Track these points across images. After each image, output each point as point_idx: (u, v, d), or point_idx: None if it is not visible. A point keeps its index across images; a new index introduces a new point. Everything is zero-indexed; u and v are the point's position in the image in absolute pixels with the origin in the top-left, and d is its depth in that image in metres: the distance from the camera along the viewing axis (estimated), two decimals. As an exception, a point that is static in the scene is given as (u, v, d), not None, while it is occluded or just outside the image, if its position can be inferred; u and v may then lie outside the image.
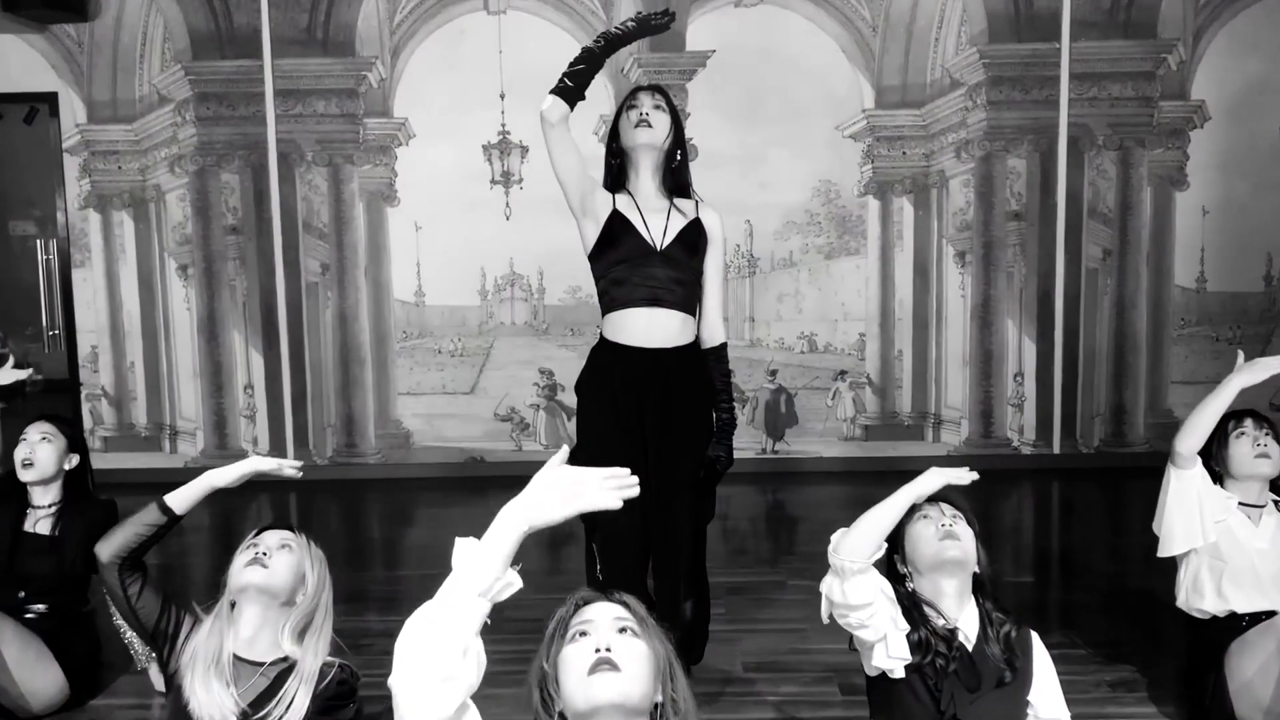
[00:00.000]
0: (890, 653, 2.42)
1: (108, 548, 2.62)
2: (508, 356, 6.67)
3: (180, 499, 2.74)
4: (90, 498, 3.66)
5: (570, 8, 6.35)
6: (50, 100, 6.43)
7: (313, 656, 2.53)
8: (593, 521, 3.10)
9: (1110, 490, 6.16)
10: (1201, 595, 3.24)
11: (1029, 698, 2.47)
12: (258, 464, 2.80)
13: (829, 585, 2.43)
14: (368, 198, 6.52)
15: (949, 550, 2.44)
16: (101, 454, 6.50)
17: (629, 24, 3.13)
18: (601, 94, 6.30)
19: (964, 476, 2.52)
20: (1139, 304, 6.57)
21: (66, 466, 3.56)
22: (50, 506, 3.54)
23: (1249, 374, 3.14)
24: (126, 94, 6.46)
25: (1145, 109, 6.41)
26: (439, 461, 6.61)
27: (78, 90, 6.44)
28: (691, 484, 3.12)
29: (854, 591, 2.37)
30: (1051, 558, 5.26)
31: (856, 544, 2.40)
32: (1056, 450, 6.58)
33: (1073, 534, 5.70)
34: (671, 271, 3.13)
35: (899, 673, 2.43)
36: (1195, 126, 6.44)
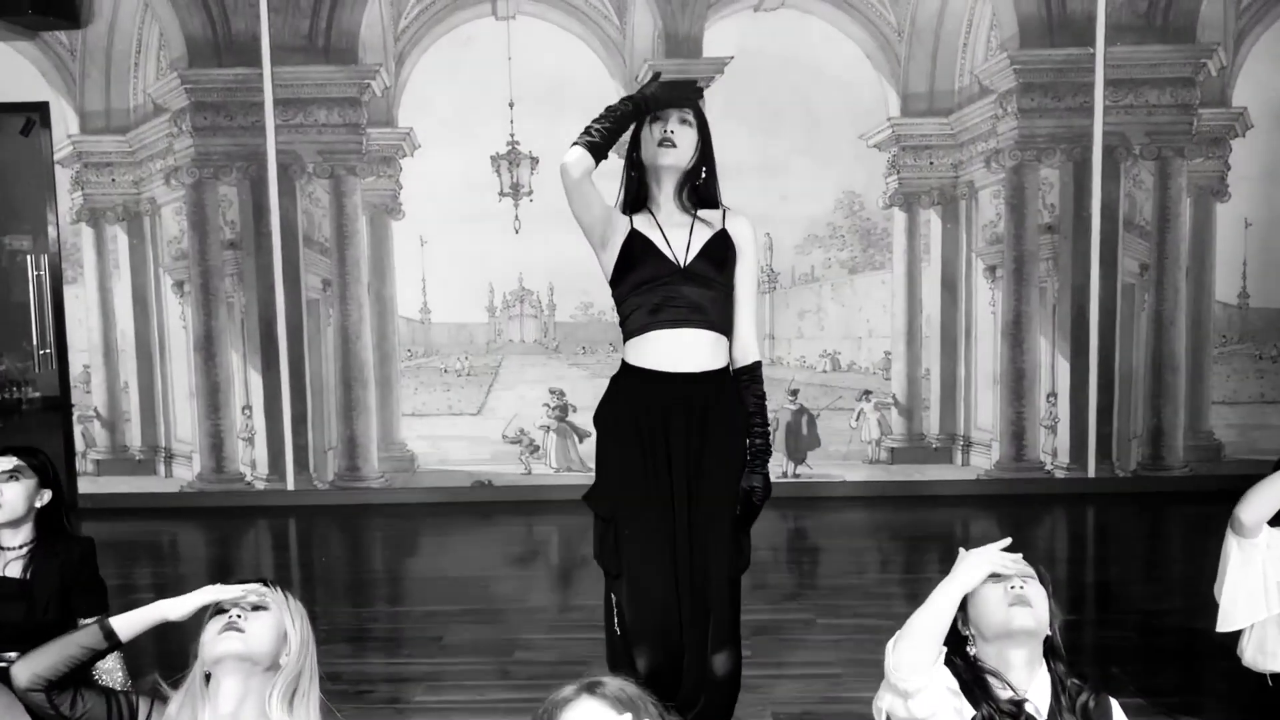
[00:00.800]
0: None
1: (29, 669, 2.25)
2: (517, 376, 6.59)
3: (126, 625, 2.37)
4: (65, 534, 3.42)
5: (582, 13, 6.25)
6: (41, 110, 6.34)
7: None
8: (616, 567, 2.85)
9: (1149, 516, 6.07)
10: (1272, 656, 3.01)
11: None
12: (215, 594, 2.45)
13: (890, 704, 2.18)
14: (371, 211, 6.43)
15: (1019, 619, 2.17)
16: (94, 478, 6.46)
17: (658, 92, 2.91)
18: (614, 100, 6.20)
19: (1000, 556, 2.26)
20: (1178, 321, 6.48)
21: (38, 504, 3.31)
22: (21, 548, 3.29)
23: None
24: (120, 103, 6.38)
25: (1184, 116, 6.32)
26: (445, 485, 6.51)
27: (70, 100, 6.35)
28: (727, 527, 2.87)
29: (920, 706, 2.12)
30: (1087, 589, 5.06)
31: (915, 659, 2.14)
32: (1091, 474, 6.48)
33: (1110, 564, 5.54)
34: (699, 289, 2.89)
35: None
36: (1237, 135, 6.35)
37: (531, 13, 6.26)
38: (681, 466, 2.83)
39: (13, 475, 3.20)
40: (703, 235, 2.94)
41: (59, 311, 6.54)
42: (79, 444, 6.48)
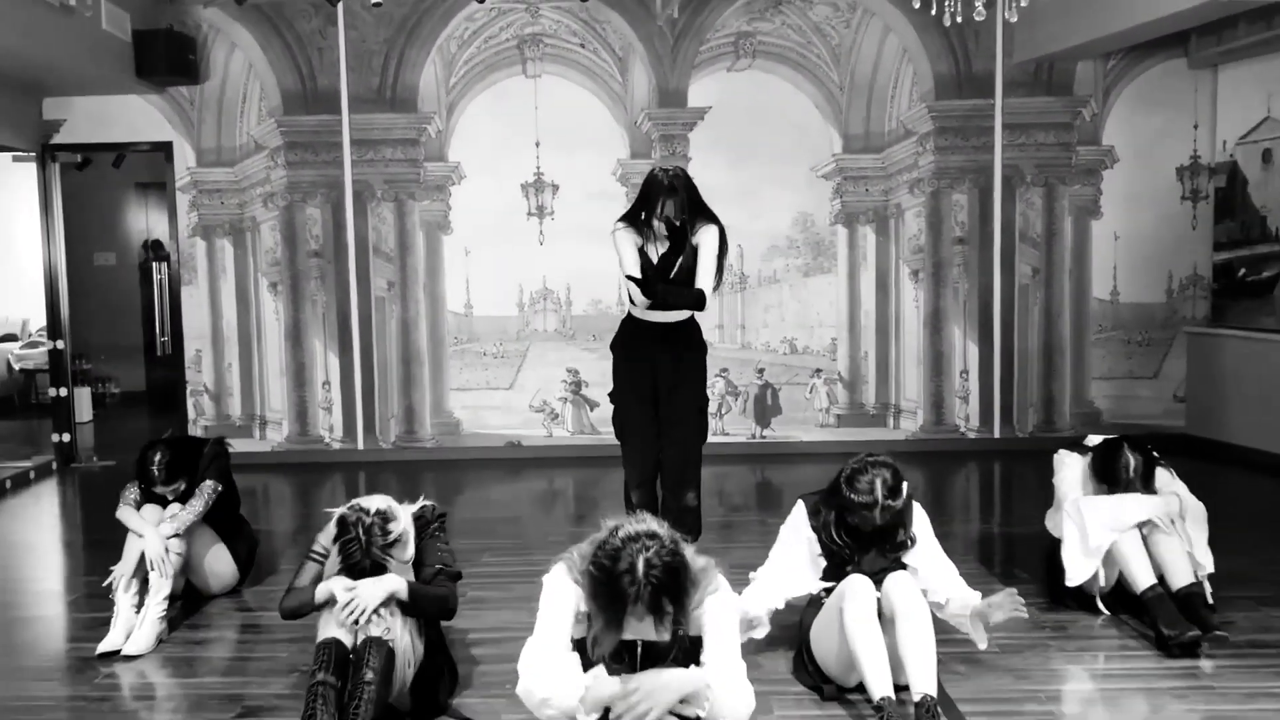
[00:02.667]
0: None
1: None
2: (540, 358, 7.76)
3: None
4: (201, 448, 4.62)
5: (593, 72, 7.54)
6: (166, 149, 7.62)
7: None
8: (621, 435, 4.40)
9: (1042, 468, 6.89)
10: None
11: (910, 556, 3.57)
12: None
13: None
14: (426, 227, 7.67)
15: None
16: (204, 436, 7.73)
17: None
18: (618, 142, 7.56)
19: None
20: (1064, 313, 7.67)
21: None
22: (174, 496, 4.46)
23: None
24: (229, 142, 7.62)
25: (1065, 153, 7.55)
26: (484, 445, 7.69)
27: (189, 140, 7.61)
28: (692, 412, 4.40)
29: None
30: (994, 520, 6.27)
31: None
32: (997, 435, 7.70)
33: (1012, 503, 6.68)
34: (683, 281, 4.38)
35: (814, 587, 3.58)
36: (1107, 167, 7.57)
37: (553, 72, 7.53)
38: (664, 375, 4.37)
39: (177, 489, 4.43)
40: (681, 248, 4.41)
41: (176, 307, 7.78)
42: (190, 413, 7.76)
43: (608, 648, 2.70)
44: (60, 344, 7.81)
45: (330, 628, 3.08)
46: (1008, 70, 7.50)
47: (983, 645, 3.50)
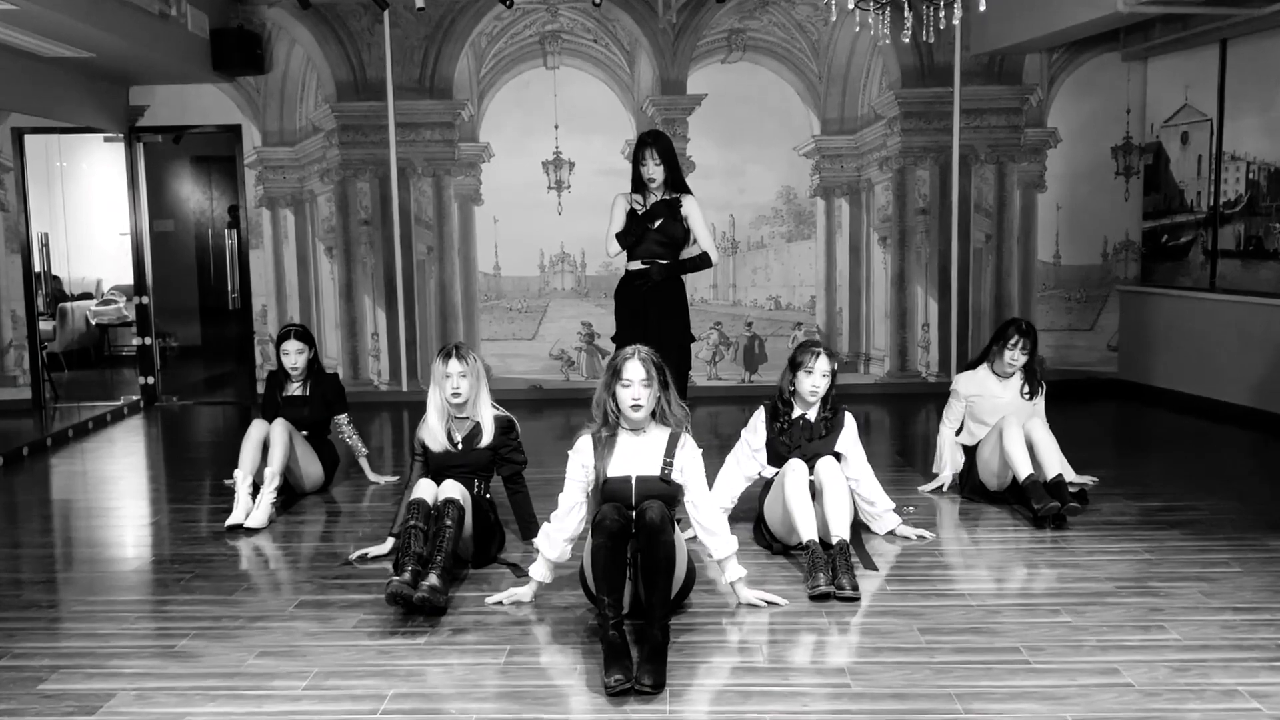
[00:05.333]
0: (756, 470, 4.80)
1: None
2: (559, 313, 8.77)
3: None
4: (323, 372, 6.02)
5: (604, 64, 8.57)
6: (235, 130, 8.71)
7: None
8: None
9: None
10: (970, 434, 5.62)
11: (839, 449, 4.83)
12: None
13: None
14: (460, 199, 8.69)
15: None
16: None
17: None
18: (627, 125, 8.64)
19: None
20: (1012, 274, 8.65)
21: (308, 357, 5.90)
22: (302, 380, 5.90)
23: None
24: (290, 125, 8.65)
25: (1014, 134, 8.52)
26: (510, 389, 8.68)
27: (255, 122, 8.67)
28: (675, 345, 5.51)
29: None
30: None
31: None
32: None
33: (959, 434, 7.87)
34: (660, 237, 5.45)
35: (768, 471, 4.80)
36: (1051, 146, 8.53)
37: (570, 64, 8.52)
38: (653, 314, 5.45)
39: (300, 351, 5.83)
40: (661, 212, 5.50)
41: (244, 268, 8.88)
42: (257, 359, 8.91)
43: (607, 470, 3.84)
44: (145, 299, 9.02)
45: (418, 491, 4.30)
46: (965, 62, 8.43)
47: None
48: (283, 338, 5.89)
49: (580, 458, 3.95)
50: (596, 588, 3.66)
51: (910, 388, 8.73)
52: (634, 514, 3.73)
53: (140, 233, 8.97)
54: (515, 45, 8.57)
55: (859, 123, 8.58)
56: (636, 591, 3.79)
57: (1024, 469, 5.10)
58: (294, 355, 5.86)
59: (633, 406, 3.84)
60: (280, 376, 5.95)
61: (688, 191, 5.51)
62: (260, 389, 8.57)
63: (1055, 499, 4.96)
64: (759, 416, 4.85)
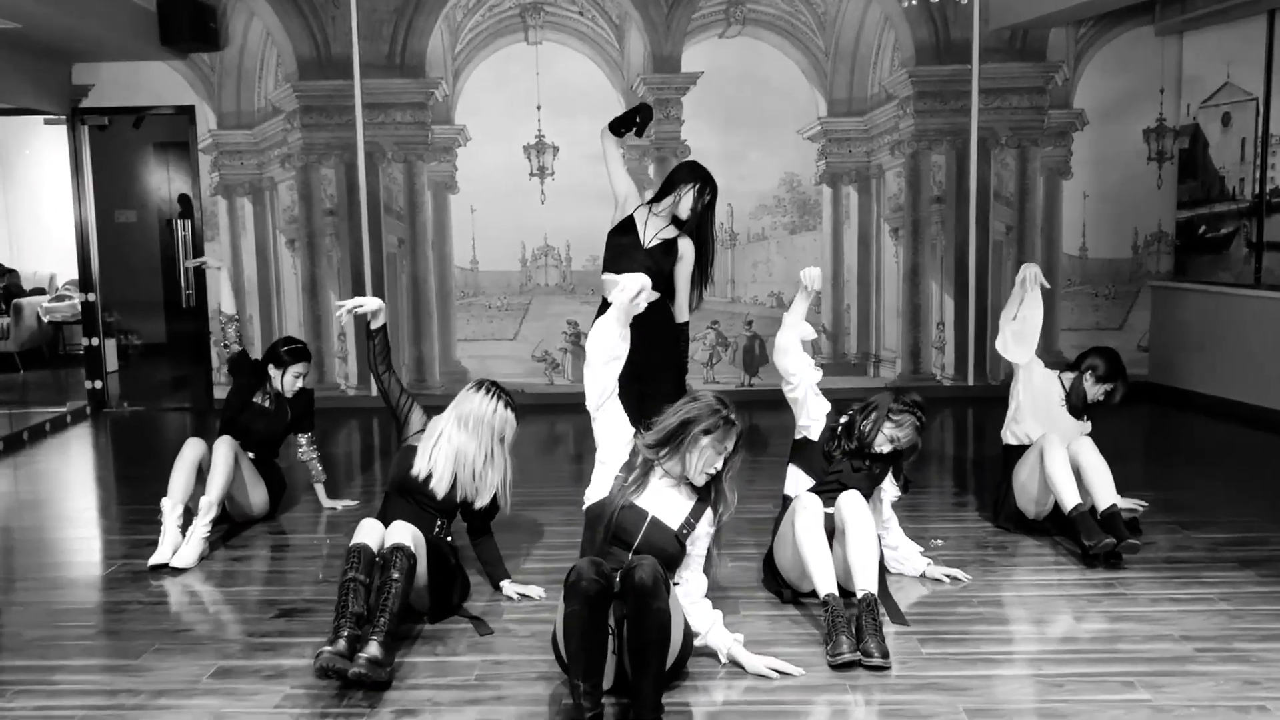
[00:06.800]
0: (810, 415, 4.09)
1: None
2: (543, 311, 8.17)
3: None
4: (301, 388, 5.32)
5: (591, 39, 7.93)
6: (189, 112, 8.04)
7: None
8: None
9: None
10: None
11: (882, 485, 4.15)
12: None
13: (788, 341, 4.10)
14: (434, 187, 8.07)
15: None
16: (225, 386, 8.11)
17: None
18: (616, 106, 7.90)
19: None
20: None
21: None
22: (270, 395, 5.23)
23: None
24: (248, 106, 8.01)
25: (1038, 116, 7.93)
26: None
27: (210, 104, 8.02)
28: (667, 392, 4.77)
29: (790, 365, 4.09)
30: (966, 457, 6.79)
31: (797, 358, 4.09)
32: (971, 383, 8.16)
33: (984, 442, 7.07)
34: (648, 261, 4.69)
35: (814, 434, 4.10)
36: (1077, 129, 7.96)
37: (553, 39, 7.90)
38: (639, 354, 4.71)
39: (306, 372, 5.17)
40: (666, 235, 4.78)
41: None
42: (215, 362, 8.23)
43: (629, 497, 3.29)
44: (92, 296, 8.31)
45: (360, 535, 3.60)
46: (984, 37, 7.84)
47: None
48: (289, 358, 5.23)
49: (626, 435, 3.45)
50: (570, 668, 2.97)
51: (924, 392, 7.78)
52: (619, 572, 3.04)
53: (85, 223, 8.25)
54: (493, 18, 7.97)
55: (869, 103, 8.01)
56: (621, 665, 3.10)
57: (1070, 498, 4.42)
58: (293, 379, 5.26)
59: (703, 472, 3.35)
60: (250, 388, 5.22)
61: (689, 235, 4.82)
62: (220, 394, 8.01)
63: (1110, 534, 4.27)
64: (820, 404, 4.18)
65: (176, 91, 8.04)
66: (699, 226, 4.75)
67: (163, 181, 11.67)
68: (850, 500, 3.81)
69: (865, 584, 3.62)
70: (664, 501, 3.37)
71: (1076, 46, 7.90)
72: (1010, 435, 4.98)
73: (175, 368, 10.34)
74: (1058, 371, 4.97)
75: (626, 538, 3.28)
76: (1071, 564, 4.41)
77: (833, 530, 3.85)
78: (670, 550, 3.32)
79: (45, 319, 10.42)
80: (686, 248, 4.76)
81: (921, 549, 4.35)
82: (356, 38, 7.91)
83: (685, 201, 4.69)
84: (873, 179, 8.09)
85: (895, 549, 4.26)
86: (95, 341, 8.36)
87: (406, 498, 3.95)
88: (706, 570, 3.51)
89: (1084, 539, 4.27)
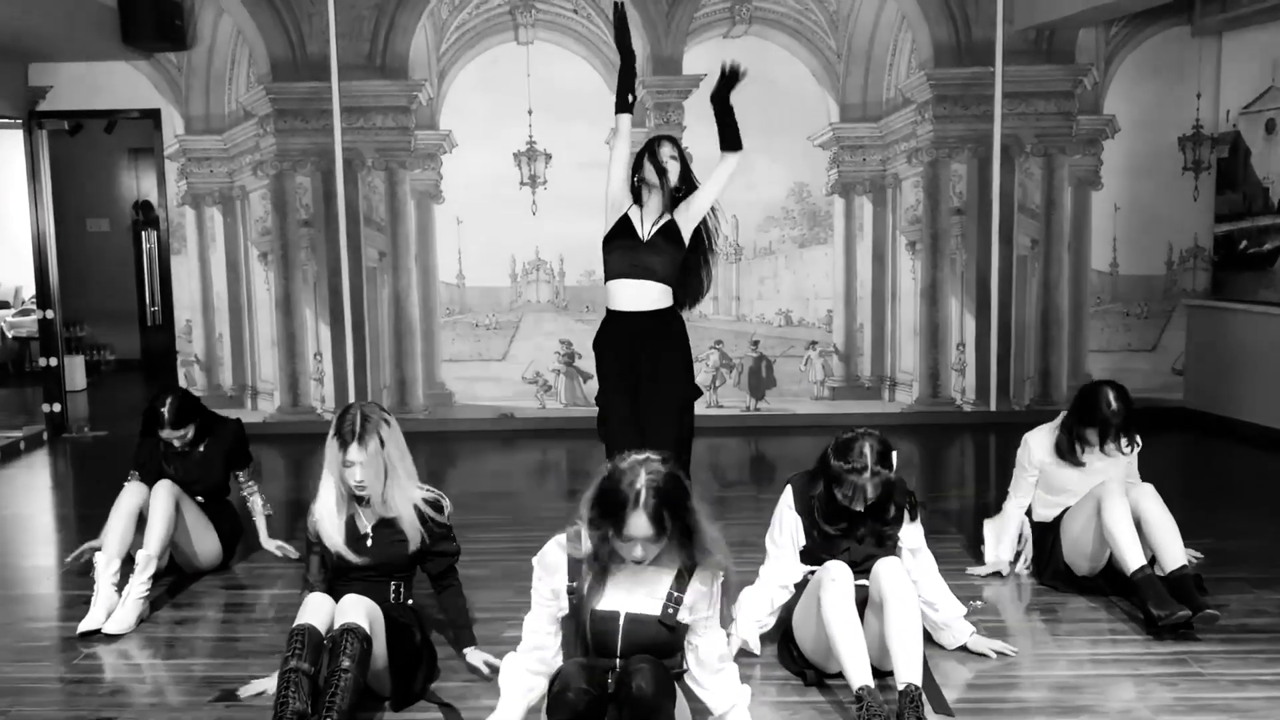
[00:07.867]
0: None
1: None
2: (534, 329, 7.73)
3: None
4: (219, 419, 4.73)
5: (586, 39, 7.47)
6: (154, 115, 7.55)
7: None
8: (603, 420, 4.33)
9: None
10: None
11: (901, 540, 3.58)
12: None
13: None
14: (418, 196, 7.62)
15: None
16: None
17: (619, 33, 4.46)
18: (610, 109, 7.41)
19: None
20: (1061, 285, 7.64)
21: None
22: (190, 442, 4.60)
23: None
24: (217, 109, 7.56)
25: (1065, 122, 7.50)
26: (476, 417, 7.68)
27: (177, 107, 7.55)
28: (673, 408, 4.28)
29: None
30: (988, 494, 6.30)
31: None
32: (993, 408, 7.69)
33: (1005, 475, 6.71)
34: (652, 255, 4.29)
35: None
36: (1107, 136, 7.52)
37: (545, 39, 7.45)
38: (644, 371, 4.24)
39: (184, 436, 4.51)
40: (660, 223, 4.32)
41: (166, 277, 7.74)
42: (182, 382, 7.68)
43: (592, 604, 2.71)
44: (49, 313, 7.77)
45: (305, 614, 3.05)
46: (1008, 38, 7.45)
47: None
48: (158, 424, 4.50)
49: (550, 580, 2.73)
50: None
51: (943, 418, 7.68)
52: (611, 678, 2.49)
53: (44, 234, 7.72)
54: (481, 16, 7.50)
55: (884, 108, 7.58)
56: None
57: (1134, 558, 3.87)
58: (177, 440, 4.55)
59: (635, 561, 2.70)
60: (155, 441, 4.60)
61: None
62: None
63: (1182, 601, 3.72)
64: (785, 500, 3.57)
65: (142, 94, 7.57)
66: (684, 180, 4.42)
67: (136, 188, 11.15)
68: (889, 569, 3.24)
69: (908, 674, 3.06)
70: (630, 583, 2.78)
71: (1107, 48, 7.48)
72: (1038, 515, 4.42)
73: (149, 386, 9.79)
74: (1052, 442, 4.36)
75: (608, 650, 2.73)
76: (1132, 632, 3.87)
77: (863, 600, 3.29)
78: (661, 639, 2.77)
79: (10, 334, 9.90)
80: (684, 205, 4.40)
81: (965, 610, 3.76)
82: (334, 36, 7.46)
83: (649, 175, 4.36)
84: (888, 189, 7.64)
85: (935, 609, 3.63)
86: (54, 362, 7.81)
87: (348, 576, 3.39)
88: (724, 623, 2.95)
89: (1153, 608, 3.72)
